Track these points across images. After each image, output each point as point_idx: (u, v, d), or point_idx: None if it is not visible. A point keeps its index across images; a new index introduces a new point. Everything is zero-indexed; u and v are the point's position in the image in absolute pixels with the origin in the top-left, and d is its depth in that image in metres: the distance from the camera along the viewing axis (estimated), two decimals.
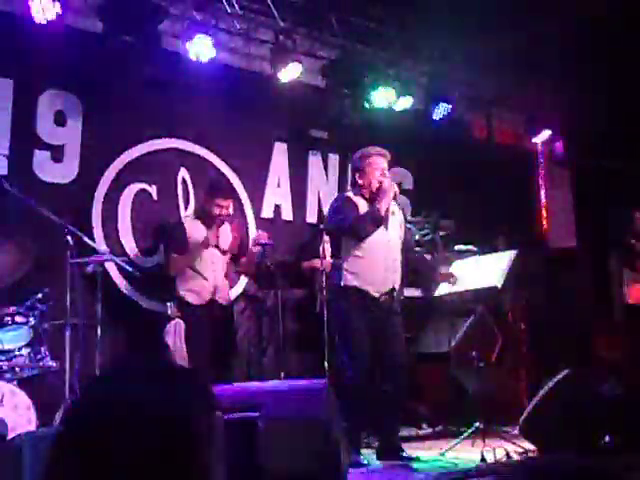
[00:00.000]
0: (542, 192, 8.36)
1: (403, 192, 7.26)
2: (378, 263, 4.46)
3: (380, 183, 4.47)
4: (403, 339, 4.58)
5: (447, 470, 4.06)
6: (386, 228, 4.51)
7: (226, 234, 5.21)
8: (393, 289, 4.49)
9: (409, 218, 6.64)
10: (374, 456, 4.46)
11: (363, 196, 4.54)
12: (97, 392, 1.15)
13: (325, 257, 4.92)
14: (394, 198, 4.52)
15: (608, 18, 6.20)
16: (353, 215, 4.46)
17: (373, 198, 4.49)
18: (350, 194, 4.63)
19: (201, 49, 5.55)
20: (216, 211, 5.09)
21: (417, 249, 6.09)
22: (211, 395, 1.21)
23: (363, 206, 4.50)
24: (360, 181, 4.56)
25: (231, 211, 5.22)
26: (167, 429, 1.07)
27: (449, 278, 4.88)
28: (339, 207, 4.60)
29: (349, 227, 4.45)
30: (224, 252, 5.18)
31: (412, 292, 5.90)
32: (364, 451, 4.48)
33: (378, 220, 4.43)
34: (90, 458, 1.04)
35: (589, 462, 3.53)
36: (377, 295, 4.44)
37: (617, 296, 6.46)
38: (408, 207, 7.23)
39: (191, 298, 5.03)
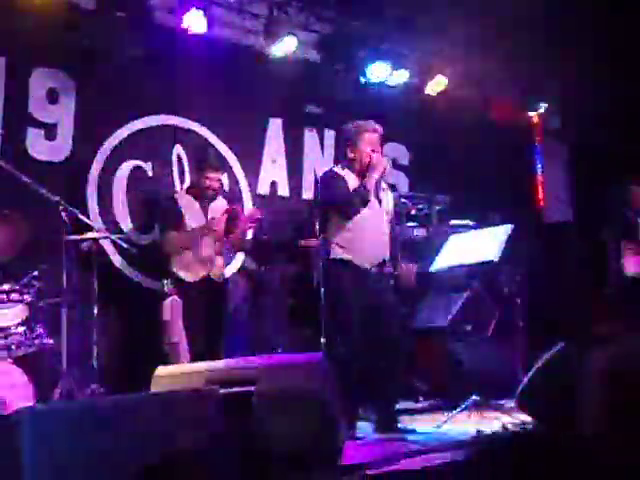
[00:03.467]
0: (538, 166, 8.33)
1: (399, 167, 7.27)
2: (367, 237, 4.49)
3: (370, 158, 4.46)
4: (397, 311, 4.62)
5: (443, 441, 4.09)
6: (379, 202, 4.56)
7: (219, 210, 5.19)
8: (383, 262, 4.53)
9: (404, 193, 6.64)
10: (370, 429, 4.48)
11: (353, 169, 4.53)
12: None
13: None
14: (383, 173, 4.51)
15: None
16: (341, 192, 4.46)
17: (363, 172, 4.49)
18: (338, 168, 4.62)
19: (194, 24, 5.49)
20: (206, 184, 5.08)
21: (411, 224, 6.11)
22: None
23: (352, 180, 4.50)
24: (351, 154, 4.56)
25: (224, 185, 5.20)
26: None
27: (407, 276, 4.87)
28: (327, 183, 4.60)
29: (337, 205, 4.48)
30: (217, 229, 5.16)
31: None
32: (362, 424, 4.50)
33: (365, 198, 4.44)
34: None
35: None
36: (368, 267, 4.47)
37: (613, 269, 6.47)
38: (405, 182, 7.23)
39: (185, 275, 5.03)
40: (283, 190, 6.52)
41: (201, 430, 2.84)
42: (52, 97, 5.32)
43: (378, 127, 4.59)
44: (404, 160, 7.31)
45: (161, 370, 3.53)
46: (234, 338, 5.83)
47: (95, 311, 4.64)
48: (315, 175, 6.69)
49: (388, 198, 4.72)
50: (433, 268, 5.09)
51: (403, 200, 6.06)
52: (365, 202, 4.44)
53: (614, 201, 6.38)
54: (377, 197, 4.57)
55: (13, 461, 2.56)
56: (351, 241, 4.47)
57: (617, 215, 6.26)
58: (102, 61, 5.34)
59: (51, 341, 4.38)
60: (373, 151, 4.50)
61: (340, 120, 6.59)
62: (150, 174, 5.74)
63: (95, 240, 4.76)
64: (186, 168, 5.88)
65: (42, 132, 5.27)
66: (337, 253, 4.47)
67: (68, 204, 4.54)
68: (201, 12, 5.48)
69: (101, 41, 5.20)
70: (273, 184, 6.47)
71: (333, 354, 4.24)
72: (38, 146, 5.23)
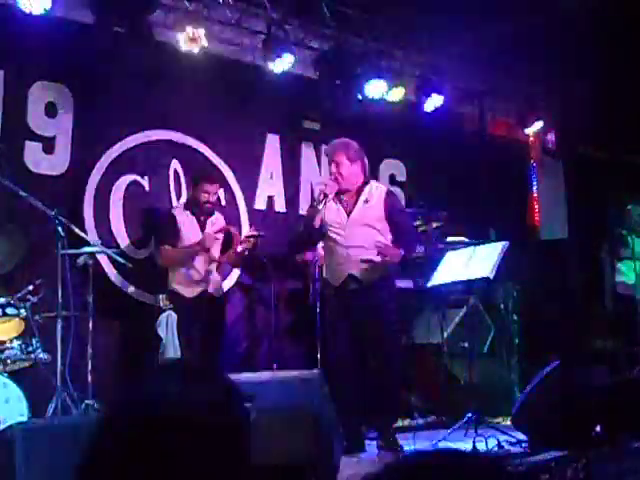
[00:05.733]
0: (534, 183, 8.36)
1: (397, 183, 7.29)
2: (336, 254, 4.57)
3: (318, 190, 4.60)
4: (386, 326, 4.50)
5: None
6: (347, 214, 4.56)
7: (216, 225, 5.19)
8: (354, 277, 4.48)
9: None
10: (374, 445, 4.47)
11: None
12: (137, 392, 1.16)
13: (317, 249, 4.95)
14: (323, 200, 4.48)
15: (603, 9, 6.18)
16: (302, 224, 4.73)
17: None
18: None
19: (193, 40, 5.52)
20: (203, 198, 5.08)
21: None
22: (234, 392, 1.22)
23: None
24: None
25: (222, 199, 5.20)
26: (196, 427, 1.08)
27: None
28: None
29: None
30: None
31: (405, 283, 5.91)
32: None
33: (307, 226, 4.59)
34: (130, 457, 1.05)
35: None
36: (338, 285, 4.54)
37: (608, 287, 6.49)
38: (402, 198, 7.25)
39: (182, 290, 5.03)
40: (280, 205, 6.53)
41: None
42: (50, 111, 5.34)
43: (327, 149, 4.75)
44: (401, 176, 7.33)
45: None
46: (230, 354, 5.82)
47: (90, 326, 4.62)
48: (312, 190, 6.71)
49: (374, 208, 4.59)
50: (430, 284, 5.09)
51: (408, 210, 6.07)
52: (307, 227, 4.58)
53: (612, 220, 6.41)
54: (347, 212, 4.56)
55: (7, 477, 2.54)
56: (327, 261, 4.69)
57: (614, 234, 6.29)
58: (101, 76, 5.36)
59: (46, 356, 4.36)
60: (330, 176, 4.59)
61: (338, 136, 6.66)
62: (147, 189, 5.75)
63: (91, 254, 4.75)
64: (183, 183, 5.89)
65: (40, 146, 5.28)
66: (324, 271, 4.70)
67: (65, 218, 4.53)
68: (200, 28, 5.51)
69: (100, 56, 5.22)
70: (270, 199, 6.47)
71: (328, 370, 4.23)
72: (36, 159, 5.24)
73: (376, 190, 4.66)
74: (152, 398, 1.09)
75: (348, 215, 4.57)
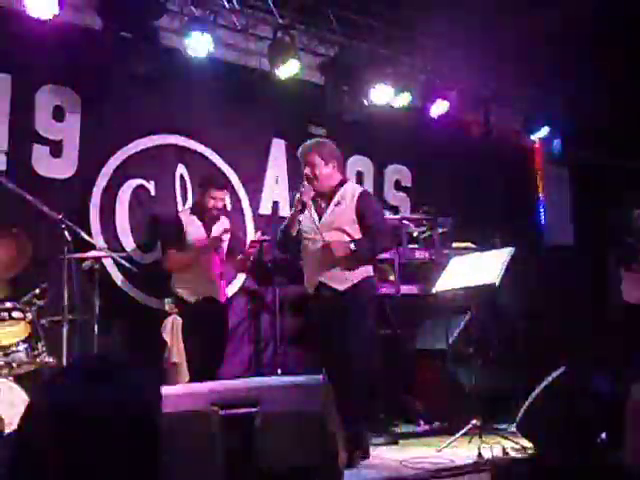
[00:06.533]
0: (540, 189, 8.36)
1: (402, 189, 7.30)
2: (308, 259, 4.48)
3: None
4: (354, 334, 4.25)
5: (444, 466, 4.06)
6: (318, 218, 4.41)
7: (222, 230, 5.19)
8: (324, 284, 4.34)
9: (406, 215, 6.65)
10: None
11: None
12: (53, 394, 1.17)
13: None
14: (301, 210, 4.39)
15: (609, 15, 6.19)
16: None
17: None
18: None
19: (199, 45, 5.54)
20: (210, 203, 5.08)
21: (413, 246, 6.09)
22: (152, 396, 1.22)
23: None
24: None
25: (228, 204, 5.20)
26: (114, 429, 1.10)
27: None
28: None
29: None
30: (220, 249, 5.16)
31: (410, 289, 5.91)
32: None
33: (287, 240, 4.49)
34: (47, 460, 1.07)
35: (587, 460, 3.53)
36: (310, 291, 4.44)
37: (614, 295, 6.47)
38: (407, 203, 7.26)
39: (187, 295, 5.03)
40: (285, 210, 6.54)
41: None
42: (58, 115, 5.36)
43: (300, 151, 4.53)
44: (406, 182, 7.34)
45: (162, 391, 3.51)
46: (235, 359, 5.83)
47: (96, 329, 4.63)
48: None
49: (341, 208, 4.43)
50: (435, 290, 5.09)
51: (405, 222, 6.06)
52: (285, 236, 4.49)
53: (616, 226, 6.39)
54: (319, 216, 4.42)
55: None
56: (304, 267, 4.56)
57: (619, 241, 6.27)
58: (108, 80, 5.38)
59: (52, 359, 4.37)
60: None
61: (343, 141, 6.68)
62: (153, 193, 5.76)
63: (97, 258, 4.76)
64: (189, 188, 5.91)
65: (47, 149, 5.30)
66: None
67: (71, 221, 4.55)
68: (206, 34, 5.53)
69: (107, 60, 5.24)
70: (275, 204, 6.48)
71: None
72: (43, 163, 5.26)
73: (350, 191, 4.46)
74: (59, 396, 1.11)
75: (320, 219, 4.41)
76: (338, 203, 4.41)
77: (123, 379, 1.22)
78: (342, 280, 4.31)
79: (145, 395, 1.21)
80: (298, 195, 4.38)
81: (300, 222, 4.45)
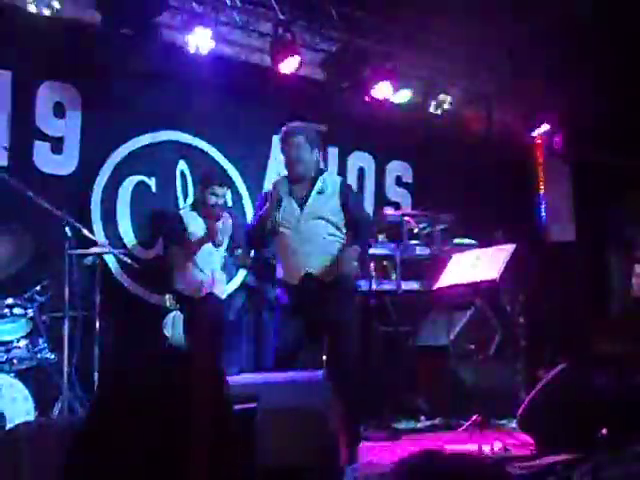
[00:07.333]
0: (541, 186, 8.35)
1: (403, 185, 7.29)
2: (290, 251, 4.26)
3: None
4: (344, 326, 4.23)
5: None
6: (300, 207, 4.28)
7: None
8: (310, 275, 4.21)
9: (407, 211, 6.65)
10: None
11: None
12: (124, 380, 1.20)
13: None
14: (277, 202, 4.25)
15: (610, 13, 6.17)
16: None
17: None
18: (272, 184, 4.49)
19: (200, 41, 5.54)
20: (212, 200, 5.08)
21: (414, 242, 6.08)
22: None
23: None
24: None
25: (229, 201, 5.19)
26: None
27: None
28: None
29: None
30: (220, 245, 5.16)
31: (411, 285, 5.91)
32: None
33: (262, 233, 4.31)
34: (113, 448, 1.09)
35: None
36: (295, 282, 4.24)
37: (616, 290, 6.47)
38: (408, 199, 7.25)
39: (188, 291, 5.04)
40: None
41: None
42: (59, 111, 5.36)
43: (286, 131, 4.46)
44: (408, 178, 7.33)
45: None
46: (235, 355, 5.83)
47: (97, 326, 4.64)
48: None
49: (324, 197, 4.33)
50: (436, 286, 5.09)
51: (406, 218, 6.06)
52: (258, 230, 4.33)
53: (617, 222, 6.39)
54: (301, 204, 4.29)
55: (12, 476, 2.55)
56: (282, 259, 4.34)
57: (626, 234, 6.26)
58: (108, 76, 5.38)
59: (53, 356, 4.38)
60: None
61: (344, 138, 6.68)
62: (154, 190, 5.76)
63: (99, 255, 4.76)
64: (190, 184, 5.91)
65: (48, 146, 5.30)
66: (278, 271, 4.37)
67: (72, 218, 4.55)
68: (207, 30, 5.52)
69: (108, 57, 5.24)
70: None
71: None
72: (44, 159, 5.27)
73: (330, 180, 4.39)
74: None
75: (301, 208, 4.27)
76: (321, 192, 4.31)
77: None
78: (330, 270, 4.22)
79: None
80: (272, 189, 4.31)
81: (276, 215, 4.26)
